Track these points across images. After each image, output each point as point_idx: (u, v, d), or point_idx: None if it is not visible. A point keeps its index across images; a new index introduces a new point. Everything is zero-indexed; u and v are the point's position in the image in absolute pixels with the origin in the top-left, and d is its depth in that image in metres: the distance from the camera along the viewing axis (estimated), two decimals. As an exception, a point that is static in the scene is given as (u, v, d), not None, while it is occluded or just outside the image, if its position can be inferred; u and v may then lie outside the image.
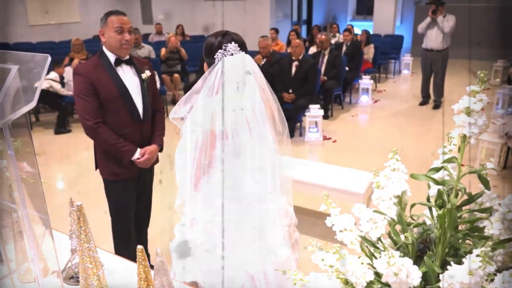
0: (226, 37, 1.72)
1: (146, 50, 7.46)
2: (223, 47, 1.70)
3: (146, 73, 2.53)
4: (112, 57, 2.43)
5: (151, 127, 2.63)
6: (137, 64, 2.53)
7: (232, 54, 1.69)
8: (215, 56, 1.70)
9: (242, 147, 1.70)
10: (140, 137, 2.54)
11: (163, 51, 7.74)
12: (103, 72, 2.40)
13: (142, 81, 2.51)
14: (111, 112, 2.43)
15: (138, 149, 2.50)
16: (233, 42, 1.71)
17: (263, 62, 6.34)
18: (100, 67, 2.41)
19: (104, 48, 2.45)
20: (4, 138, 1.09)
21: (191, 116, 1.71)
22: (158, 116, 2.68)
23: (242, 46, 1.74)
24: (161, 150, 2.68)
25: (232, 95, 1.68)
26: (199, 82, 1.70)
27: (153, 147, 2.58)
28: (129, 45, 2.43)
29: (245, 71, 1.69)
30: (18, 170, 1.13)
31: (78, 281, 1.44)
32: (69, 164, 5.30)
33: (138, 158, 2.50)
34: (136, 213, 2.78)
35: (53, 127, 6.35)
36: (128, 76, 2.47)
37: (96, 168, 2.63)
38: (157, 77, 6.75)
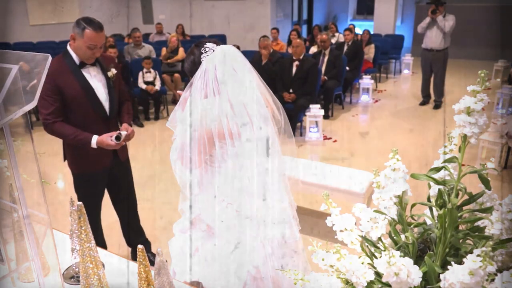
0: (199, 45, 1.74)
1: (146, 50, 7.47)
2: (203, 51, 1.70)
3: (112, 71, 2.55)
4: (77, 59, 2.42)
5: (117, 121, 2.65)
6: (102, 63, 2.52)
7: (213, 51, 1.70)
8: (201, 61, 1.70)
9: (245, 144, 1.69)
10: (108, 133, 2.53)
11: (163, 51, 7.74)
12: (67, 73, 2.39)
13: (108, 79, 2.52)
14: (77, 112, 2.44)
15: (95, 136, 2.44)
16: (207, 43, 1.72)
17: (265, 61, 6.34)
18: (64, 67, 2.40)
19: (69, 48, 2.42)
20: (4, 138, 1.09)
21: (184, 118, 1.68)
22: (126, 104, 2.71)
23: (218, 43, 1.75)
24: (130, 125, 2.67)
25: (231, 91, 1.65)
26: (188, 87, 1.69)
27: (124, 125, 2.57)
28: (96, 56, 2.43)
29: (236, 59, 1.68)
30: (19, 170, 1.13)
31: (78, 281, 1.44)
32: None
33: (116, 142, 2.45)
34: (121, 208, 2.87)
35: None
36: (93, 76, 2.48)
37: (64, 160, 2.66)
38: (158, 77, 6.82)
